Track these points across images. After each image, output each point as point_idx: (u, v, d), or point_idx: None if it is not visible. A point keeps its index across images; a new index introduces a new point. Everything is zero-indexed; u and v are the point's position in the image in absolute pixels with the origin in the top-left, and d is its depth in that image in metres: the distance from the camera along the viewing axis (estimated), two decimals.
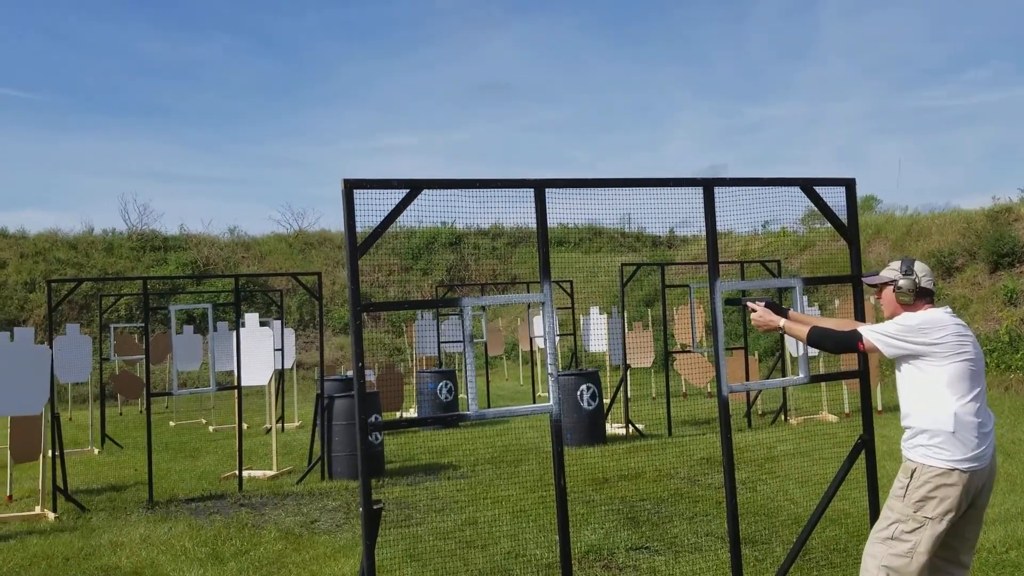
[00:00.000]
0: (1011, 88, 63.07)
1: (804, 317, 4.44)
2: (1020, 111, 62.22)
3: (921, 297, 3.97)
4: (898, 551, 3.82)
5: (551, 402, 4.14)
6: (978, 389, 3.82)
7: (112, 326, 18.69)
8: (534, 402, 15.99)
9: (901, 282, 3.97)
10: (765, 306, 4.48)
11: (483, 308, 19.01)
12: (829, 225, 4.76)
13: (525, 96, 72.01)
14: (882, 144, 68.61)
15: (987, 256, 17.46)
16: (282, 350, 12.65)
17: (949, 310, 3.93)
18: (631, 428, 11.97)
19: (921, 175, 61.15)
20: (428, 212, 4.08)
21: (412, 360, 18.39)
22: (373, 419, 9.09)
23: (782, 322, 4.37)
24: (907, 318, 3.93)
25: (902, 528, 3.84)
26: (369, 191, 3.77)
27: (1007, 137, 63.72)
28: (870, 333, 3.99)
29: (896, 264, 4.02)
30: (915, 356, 3.86)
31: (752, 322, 4.48)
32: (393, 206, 3.84)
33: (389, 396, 12.60)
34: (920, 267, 3.99)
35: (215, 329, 12.15)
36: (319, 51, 66.99)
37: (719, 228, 4.40)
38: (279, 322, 12.93)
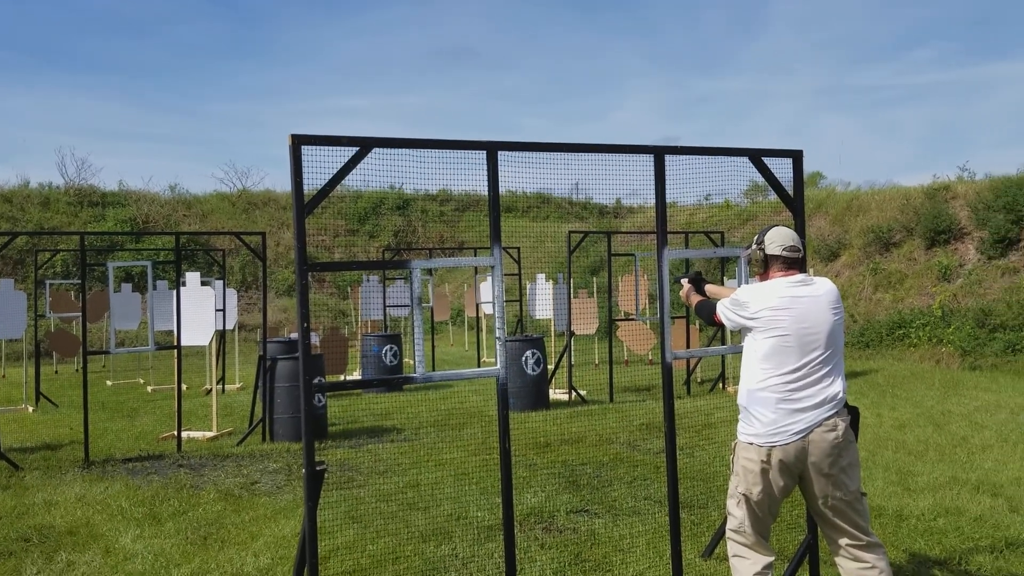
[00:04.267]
0: (953, 69, 64.51)
1: (719, 290, 4.51)
2: (961, 92, 63.69)
3: (772, 265, 3.89)
4: (733, 526, 3.91)
5: (498, 366, 4.15)
6: (793, 364, 3.70)
7: (48, 282, 18.25)
8: (479, 367, 16.04)
9: (749, 252, 4.01)
10: (689, 281, 4.60)
11: (430, 272, 18.94)
12: (772, 198, 4.84)
13: (480, 63, 71.52)
14: (829, 120, 69.66)
15: (924, 232, 17.90)
16: (224, 311, 12.46)
17: (799, 279, 3.83)
18: (574, 394, 12.09)
19: (865, 152, 62.31)
20: (375, 175, 4.03)
21: (357, 324, 18.28)
22: (317, 381, 9.02)
23: (693, 301, 4.48)
24: (740, 291, 3.94)
25: (732, 503, 3.93)
26: (317, 148, 3.71)
27: (948, 117, 65.20)
28: (719, 305, 4.04)
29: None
30: (745, 328, 3.87)
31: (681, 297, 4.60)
32: (341, 165, 3.79)
33: (332, 359, 12.51)
34: (774, 234, 3.89)
35: (155, 288, 11.93)
36: (269, 8, 65.51)
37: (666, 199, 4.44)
38: (221, 282, 12.73)
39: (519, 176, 4.42)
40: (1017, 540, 5.38)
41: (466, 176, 4.22)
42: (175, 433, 9.34)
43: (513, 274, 16.70)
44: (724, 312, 3.97)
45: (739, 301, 3.87)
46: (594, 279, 19.52)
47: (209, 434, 9.85)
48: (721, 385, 12.93)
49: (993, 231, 16.44)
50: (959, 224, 17.63)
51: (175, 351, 9.53)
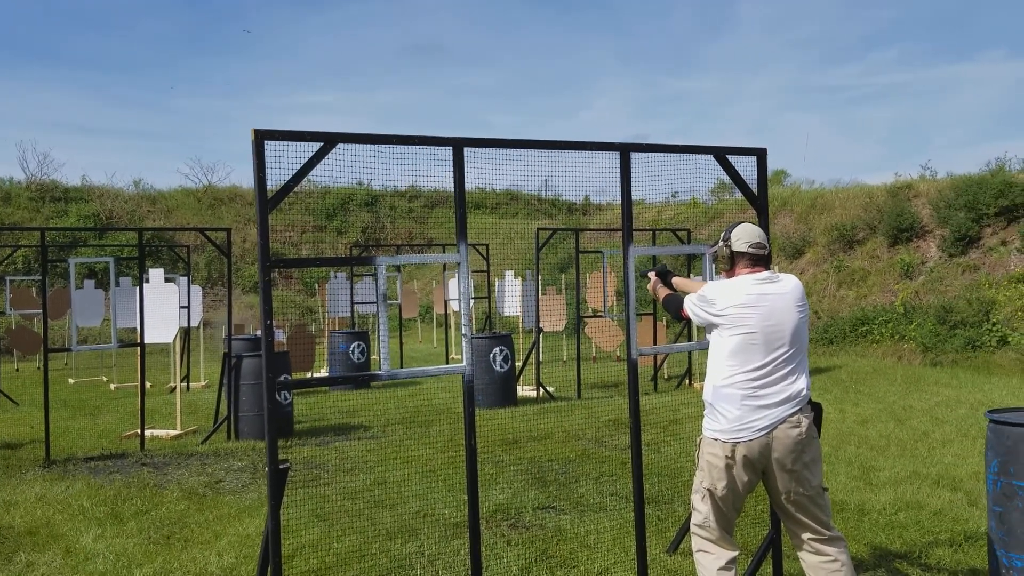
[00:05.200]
0: (916, 70, 65.46)
1: (686, 283, 4.52)
2: (924, 92, 64.68)
3: (739, 261, 3.91)
4: (698, 521, 3.94)
5: (464, 363, 4.15)
6: (759, 361, 3.72)
7: (8, 279, 17.95)
8: (447, 364, 16.01)
9: (716, 248, 4.02)
10: (656, 275, 4.62)
11: (398, 269, 18.86)
12: (738, 196, 4.85)
13: (453, 59, 71.36)
14: (795, 119, 70.40)
15: (887, 230, 18.12)
16: (188, 307, 12.33)
17: (765, 276, 3.84)
18: (542, 391, 12.11)
19: (830, 151, 63.00)
20: (343, 171, 4.00)
21: (324, 321, 18.17)
22: (282, 379, 8.95)
23: (661, 295, 4.48)
24: (707, 287, 3.96)
25: (696, 499, 3.96)
26: (281, 143, 3.67)
27: (912, 116, 66.17)
28: (686, 300, 4.05)
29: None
30: (712, 325, 3.88)
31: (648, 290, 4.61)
32: (306, 160, 3.76)
33: (299, 356, 12.42)
34: (740, 231, 3.91)
35: (117, 284, 11.78)
36: (238, 2, 64.88)
37: (633, 196, 4.45)
38: (185, 279, 12.59)
39: (488, 173, 4.42)
40: (976, 533, 5.47)
41: (435, 173, 4.21)
42: (138, 431, 9.23)
43: (482, 271, 16.68)
44: (691, 308, 3.98)
45: (706, 298, 3.88)
46: (562, 276, 19.56)
47: (173, 432, 9.74)
48: (687, 381, 13.01)
49: (954, 229, 16.68)
50: (921, 222, 17.88)
51: (138, 348, 9.41)
